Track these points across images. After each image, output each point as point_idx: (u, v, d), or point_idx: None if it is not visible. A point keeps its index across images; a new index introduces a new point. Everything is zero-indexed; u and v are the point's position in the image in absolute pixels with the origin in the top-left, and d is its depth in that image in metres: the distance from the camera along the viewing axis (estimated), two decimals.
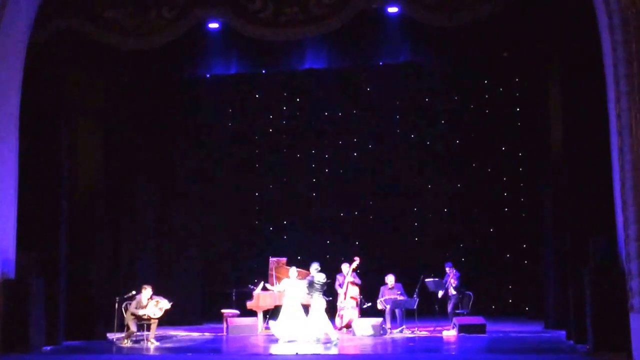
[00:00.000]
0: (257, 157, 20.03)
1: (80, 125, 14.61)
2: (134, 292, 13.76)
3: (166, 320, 14.60)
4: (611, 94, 10.79)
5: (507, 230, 18.42)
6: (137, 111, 16.58)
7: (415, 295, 14.65)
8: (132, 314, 13.46)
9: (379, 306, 14.94)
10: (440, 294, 14.97)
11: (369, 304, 15.38)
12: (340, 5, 12.89)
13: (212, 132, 18.96)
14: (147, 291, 13.64)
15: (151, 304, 13.55)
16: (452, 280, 14.87)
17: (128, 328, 13.54)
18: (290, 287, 13.67)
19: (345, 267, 15.52)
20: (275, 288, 14.36)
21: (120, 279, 15.41)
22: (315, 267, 13.51)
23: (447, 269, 15.08)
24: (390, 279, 15.11)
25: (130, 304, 13.64)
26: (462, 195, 18.91)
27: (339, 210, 19.63)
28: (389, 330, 14.47)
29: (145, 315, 13.46)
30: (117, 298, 13.95)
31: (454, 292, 14.86)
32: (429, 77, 18.43)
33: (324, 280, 13.26)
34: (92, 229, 14.65)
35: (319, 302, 13.15)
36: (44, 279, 12.66)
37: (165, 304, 13.66)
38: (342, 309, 15.40)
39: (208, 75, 17.52)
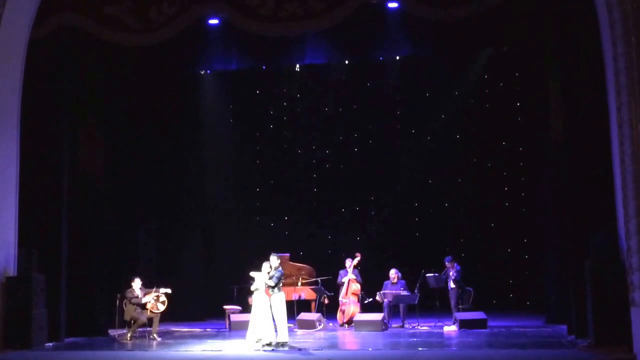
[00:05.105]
0: (258, 153, 20.06)
1: (81, 121, 14.63)
2: (131, 288, 13.83)
3: (168, 316, 14.63)
4: (611, 88, 10.78)
5: (507, 225, 18.41)
6: (137, 107, 16.57)
7: (416, 291, 14.67)
8: (133, 305, 13.55)
9: (377, 297, 14.95)
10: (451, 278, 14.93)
11: (370, 299, 15.40)
12: (339, 0, 12.90)
13: (213, 127, 18.96)
14: (135, 283, 13.82)
15: (150, 298, 13.64)
16: (451, 273, 14.88)
17: (134, 321, 13.58)
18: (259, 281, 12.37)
19: (348, 263, 15.54)
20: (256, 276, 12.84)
21: (122, 275, 15.41)
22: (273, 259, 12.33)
23: (446, 263, 15.09)
24: (393, 274, 15.13)
25: (127, 300, 13.71)
26: (462, 190, 18.92)
27: (340, 205, 19.65)
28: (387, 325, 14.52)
29: (148, 304, 13.56)
30: (118, 294, 13.99)
31: (453, 286, 14.88)
32: (430, 72, 18.42)
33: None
34: (93, 226, 14.67)
35: (281, 298, 12.36)
36: (46, 275, 12.69)
37: (164, 298, 13.75)
38: (344, 304, 15.44)
39: (208, 71, 17.61)
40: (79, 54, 14.06)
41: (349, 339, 13.81)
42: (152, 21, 13.51)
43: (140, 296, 13.70)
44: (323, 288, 15.66)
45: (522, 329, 13.97)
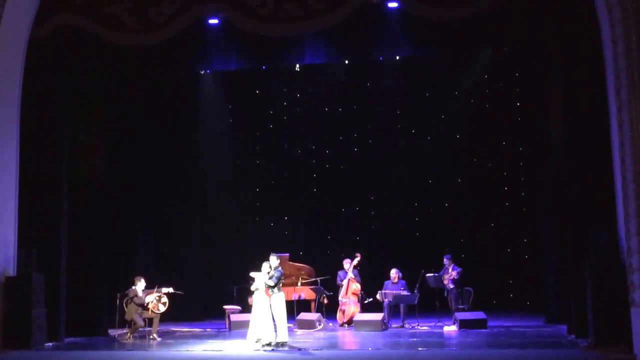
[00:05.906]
0: (258, 153, 20.06)
1: (80, 121, 14.62)
2: (133, 287, 13.82)
3: (168, 316, 14.64)
4: (611, 88, 10.78)
5: (507, 225, 18.40)
6: (137, 107, 16.58)
7: (416, 291, 14.67)
8: (136, 305, 13.54)
9: (378, 296, 14.95)
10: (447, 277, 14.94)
11: (370, 299, 15.40)
12: (339, 0, 12.90)
13: (212, 128, 18.98)
14: (141, 283, 13.82)
15: (152, 298, 13.65)
16: (452, 273, 14.89)
17: (133, 323, 13.58)
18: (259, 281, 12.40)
19: (346, 264, 15.53)
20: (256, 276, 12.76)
21: (121, 275, 15.43)
22: (272, 259, 12.30)
23: (445, 260, 15.09)
24: (393, 274, 15.13)
25: (129, 299, 13.71)
26: (462, 190, 18.91)
27: (339, 205, 19.65)
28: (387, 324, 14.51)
29: (149, 304, 13.56)
30: (118, 294, 13.99)
31: (452, 286, 14.88)
32: (430, 72, 18.44)
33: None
34: (92, 225, 14.66)
35: (280, 298, 12.35)
36: (46, 275, 12.68)
37: (166, 299, 13.76)
38: (344, 304, 15.44)
39: (208, 71, 17.61)
40: (79, 54, 14.05)
41: (349, 339, 13.80)
42: (151, 21, 13.51)
43: (142, 296, 13.69)
44: (323, 288, 15.66)
45: (522, 329, 13.96)
